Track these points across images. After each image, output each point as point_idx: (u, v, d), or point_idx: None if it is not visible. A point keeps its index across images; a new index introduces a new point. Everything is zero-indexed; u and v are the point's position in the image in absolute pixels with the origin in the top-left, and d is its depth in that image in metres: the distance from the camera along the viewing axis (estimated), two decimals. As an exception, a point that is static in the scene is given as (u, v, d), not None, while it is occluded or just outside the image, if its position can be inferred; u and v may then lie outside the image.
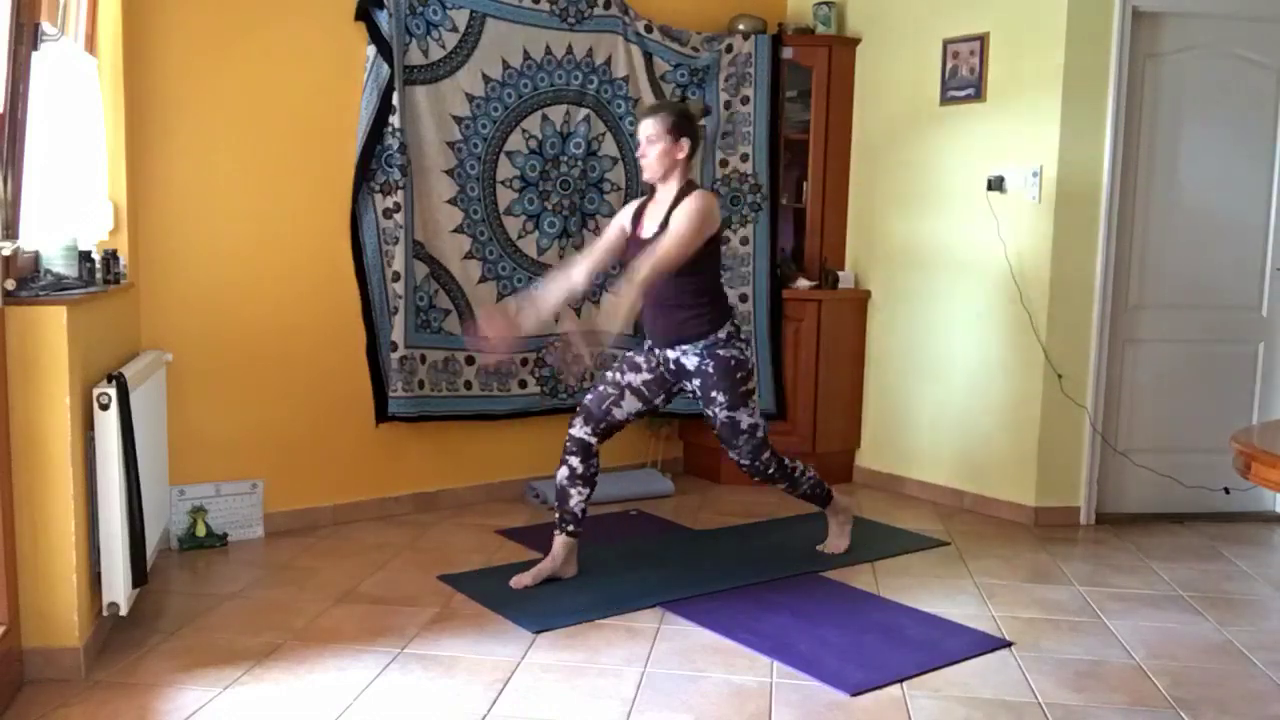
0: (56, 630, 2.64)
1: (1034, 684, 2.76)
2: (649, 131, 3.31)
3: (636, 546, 3.93)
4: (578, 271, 3.44)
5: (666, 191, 3.36)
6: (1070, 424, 4.32)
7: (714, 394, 3.37)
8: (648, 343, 3.49)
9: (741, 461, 3.49)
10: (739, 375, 3.37)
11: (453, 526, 4.15)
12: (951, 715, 2.58)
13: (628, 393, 3.45)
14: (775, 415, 4.82)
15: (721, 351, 3.35)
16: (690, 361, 3.37)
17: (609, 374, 3.49)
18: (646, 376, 3.45)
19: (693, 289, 3.32)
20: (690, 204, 3.25)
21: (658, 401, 3.49)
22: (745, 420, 3.40)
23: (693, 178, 3.44)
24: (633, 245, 3.37)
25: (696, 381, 3.39)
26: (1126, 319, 4.39)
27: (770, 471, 3.52)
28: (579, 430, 3.43)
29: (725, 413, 3.38)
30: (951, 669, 2.84)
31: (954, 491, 4.64)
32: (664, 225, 3.28)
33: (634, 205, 3.49)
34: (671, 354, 3.41)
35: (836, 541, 3.84)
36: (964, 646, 2.99)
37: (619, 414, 3.45)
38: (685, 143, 3.31)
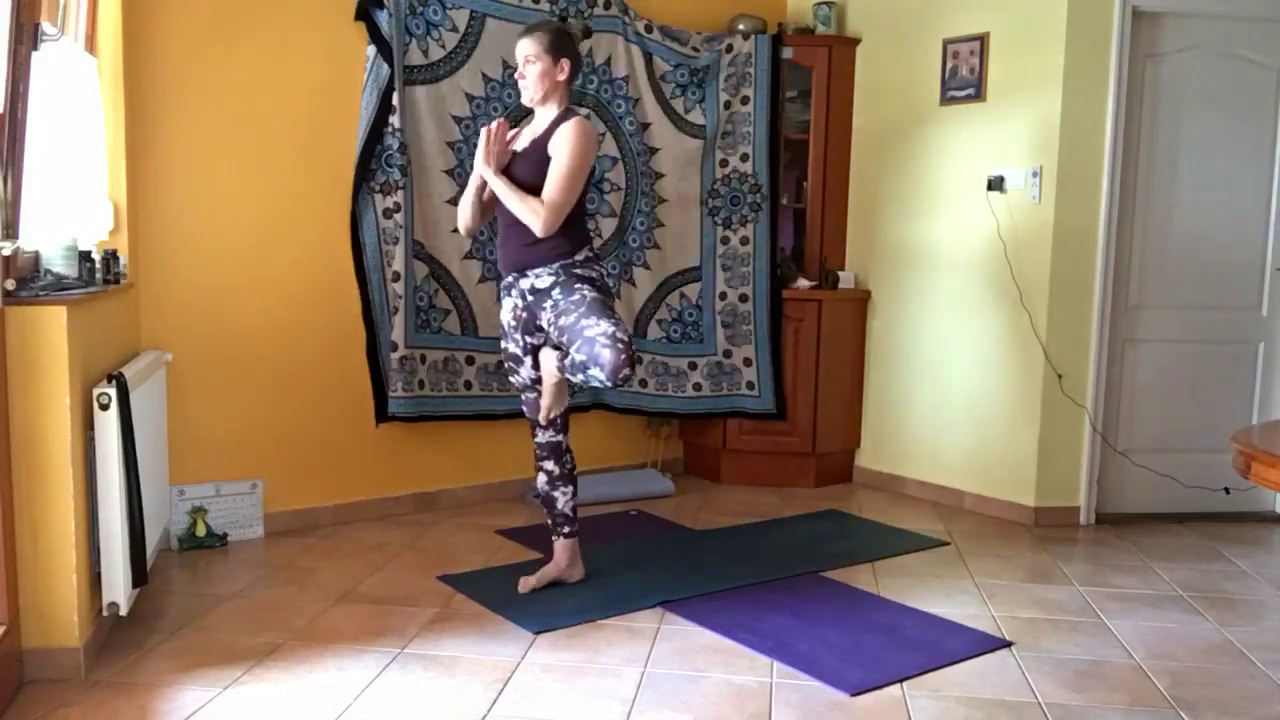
0: (56, 630, 2.64)
1: (1034, 684, 2.76)
2: (528, 51, 3.13)
3: (636, 546, 3.93)
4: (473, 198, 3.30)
5: (545, 114, 3.19)
6: (1070, 424, 4.32)
7: (576, 285, 3.13)
8: (504, 298, 3.30)
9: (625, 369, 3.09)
10: (597, 286, 3.15)
11: (453, 526, 4.15)
12: (951, 715, 2.58)
13: (536, 385, 3.30)
14: (775, 415, 4.82)
15: (578, 270, 3.15)
16: (544, 281, 3.15)
17: (511, 379, 3.37)
18: (518, 337, 3.28)
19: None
20: (571, 136, 3.08)
21: (537, 342, 3.29)
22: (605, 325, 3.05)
23: (572, 104, 3.29)
24: (508, 161, 3.21)
25: (552, 297, 3.14)
26: (1126, 319, 4.39)
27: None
28: (542, 436, 3.37)
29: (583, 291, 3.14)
30: (951, 669, 2.84)
31: (954, 491, 4.64)
32: (537, 144, 3.14)
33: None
34: (525, 282, 3.20)
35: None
36: (964, 646, 2.99)
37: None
38: (566, 63, 3.15)
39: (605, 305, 3.11)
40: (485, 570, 3.59)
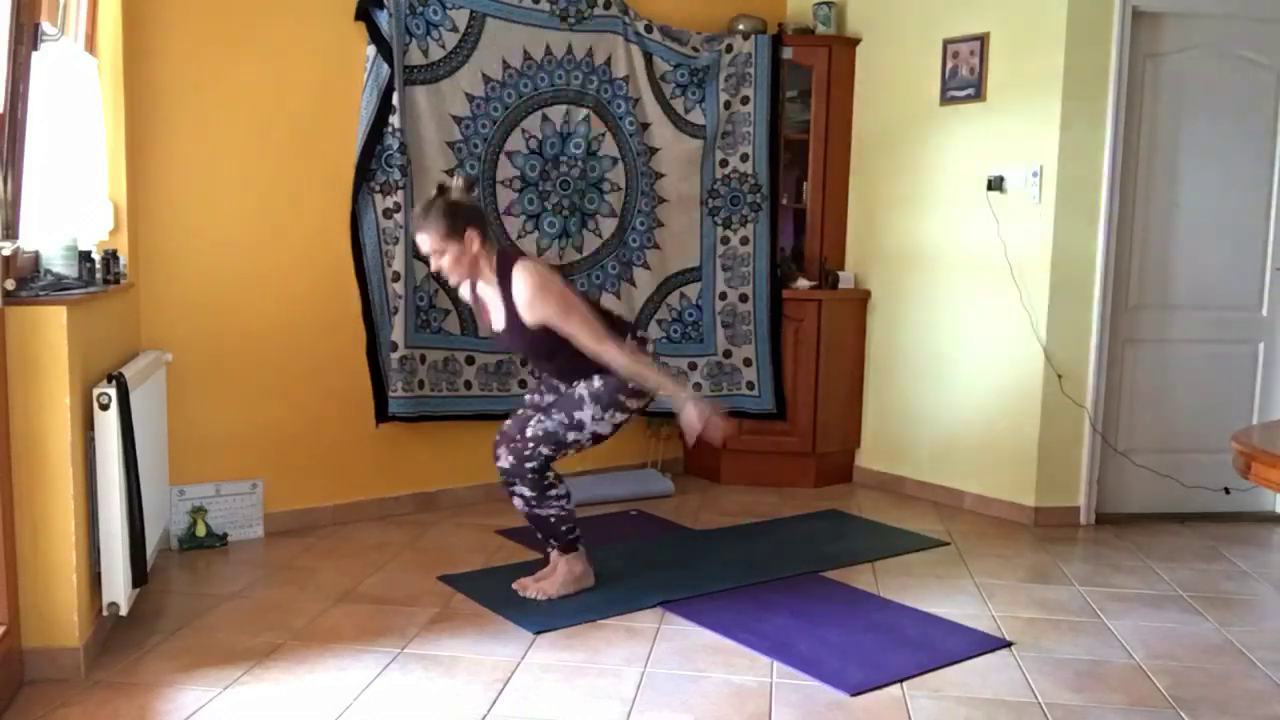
0: (56, 630, 2.64)
1: (1034, 684, 2.76)
2: (429, 247, 3.03)
3: (636, 546, 3.93)
4: (631, 347, 3.16)
5: (487, 284, 3.13)
6: (1070, 424, 4.32)
7: (570, 392, 3.17)
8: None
9: (501, 459, 3.21)
10: (616, 410, 3.16)
11: (453, 526, 4.15)
12: (951, 715, 2.58)
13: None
14: (775, 415, 4.82)
15: (617, 386, 3.14)
16: (586, 386, 3.17)
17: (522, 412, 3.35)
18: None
19: (570, 348, 3.08)
20: (526, 290, 3.00)
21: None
22: (566, 435, 3.13)
23: (492, 250, 3.13)
24: (501, 340, 3.22)
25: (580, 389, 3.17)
26: (1126, 319, 4.39)
27: (528, 475, 3.19)
28: (504, 461, 3.21)
29: (559, 416, 3.15)
30: (951, 669, 2.84)
31: (954, 491, 4.64)
32: (511, 320, 3.09)
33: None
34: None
35: (547, 584, 3.32)
36: (964, 646, 2.99)
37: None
38: (471, 233, 3.03)
39: (593, 435, 3.18)
40: (485, 570, 3.59)
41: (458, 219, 3.02)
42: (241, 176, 3.81)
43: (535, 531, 3.32)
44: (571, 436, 3.17)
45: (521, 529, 4.10)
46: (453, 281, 3.13)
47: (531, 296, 3.01)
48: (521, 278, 3.03)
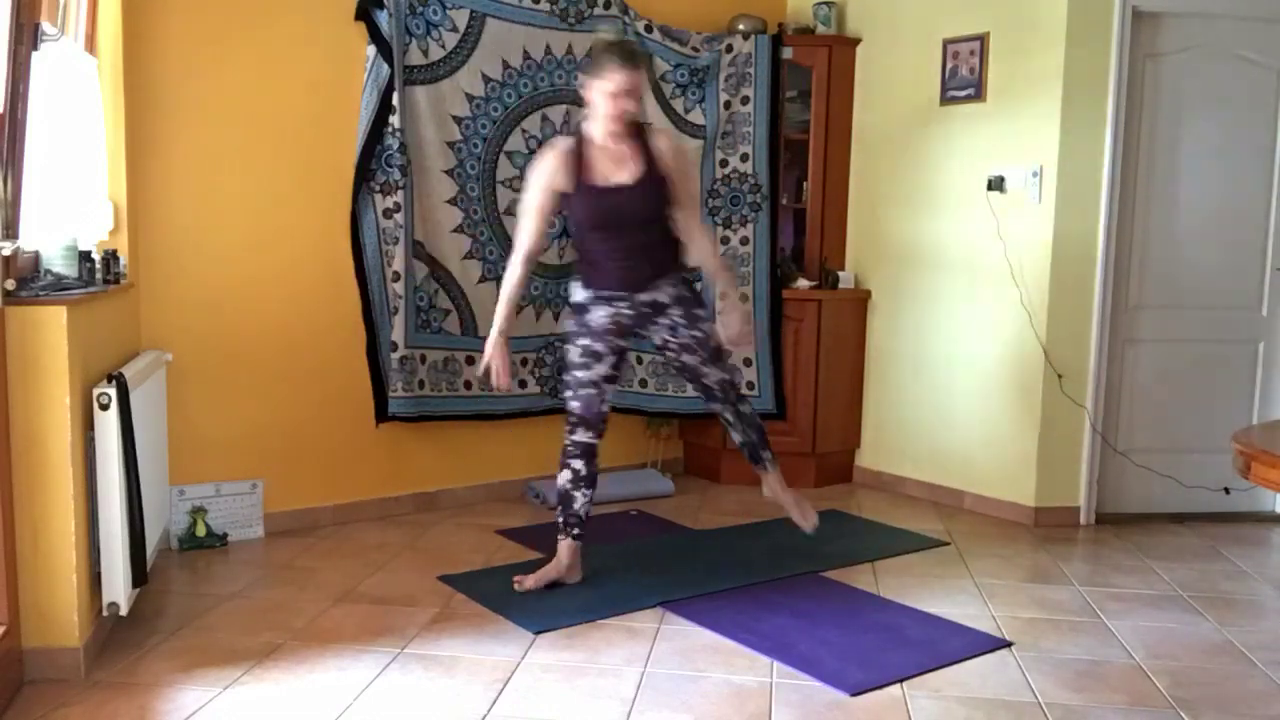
0: (56, 630, 2.64)
1: (1034, 684, 2.76)
2: (631, 84, 3.06)
3: (636, 546, 3.93)
4: (519, 270, 3.28)
5: (621, 139, 3.17)
6: (1070, 424, 4.32)
7: (698, 311, 3.35)
8: (600, 306, 3.31)
9: (729, 380, 3.46)
10: (705, 311, 3.40)
11: (453, 526, 4.15)
12: (951, 715, 2.58)
13: (604, 384, 3.36)
14: (775, 415, 4.82)
15: (691, 290, 3.38)
16: (666, 294, 3.30)
17: (578, 374, 3.34)
18: (611, 359, 3.35)
19: (667, 227, 3.28)
20: (680, 149, 3.28)
21: (621, 371, 3.47)
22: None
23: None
24: (595, 196, 3.17)
25: (677, 310, 3.31)
26: (1126, 319, 4.39)
27: (741, 394, 3.55)
28: (582, 435, 3.36)
29: (709, 325, 3.36)
30: (951, 669, 2.84)
31: (954, 491, 4.64)
32: (649, 169, 3.17)
33: (552, 161, 3.20)
34: (645, 296, 3.29)
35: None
36: (964, 647, 2.99)
37: (606, 408, 3.40)
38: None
39: (720, 350, 3.40)
40: (485, 570, 3.59)
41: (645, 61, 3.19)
42: (241, 177, 3.81)
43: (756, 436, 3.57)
44: (717, 347, 3.42)
45: (521, 529, 4.11)
46: (616, 125, 3.12)
47: (686, 156, 3.30)
48: (668, 134, 3.38)
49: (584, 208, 3.19)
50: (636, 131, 3.19)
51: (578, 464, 3.38)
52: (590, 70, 3.12)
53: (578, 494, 3.39)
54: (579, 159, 3.18)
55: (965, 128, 4.52)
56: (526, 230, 3.25)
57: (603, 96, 3.09)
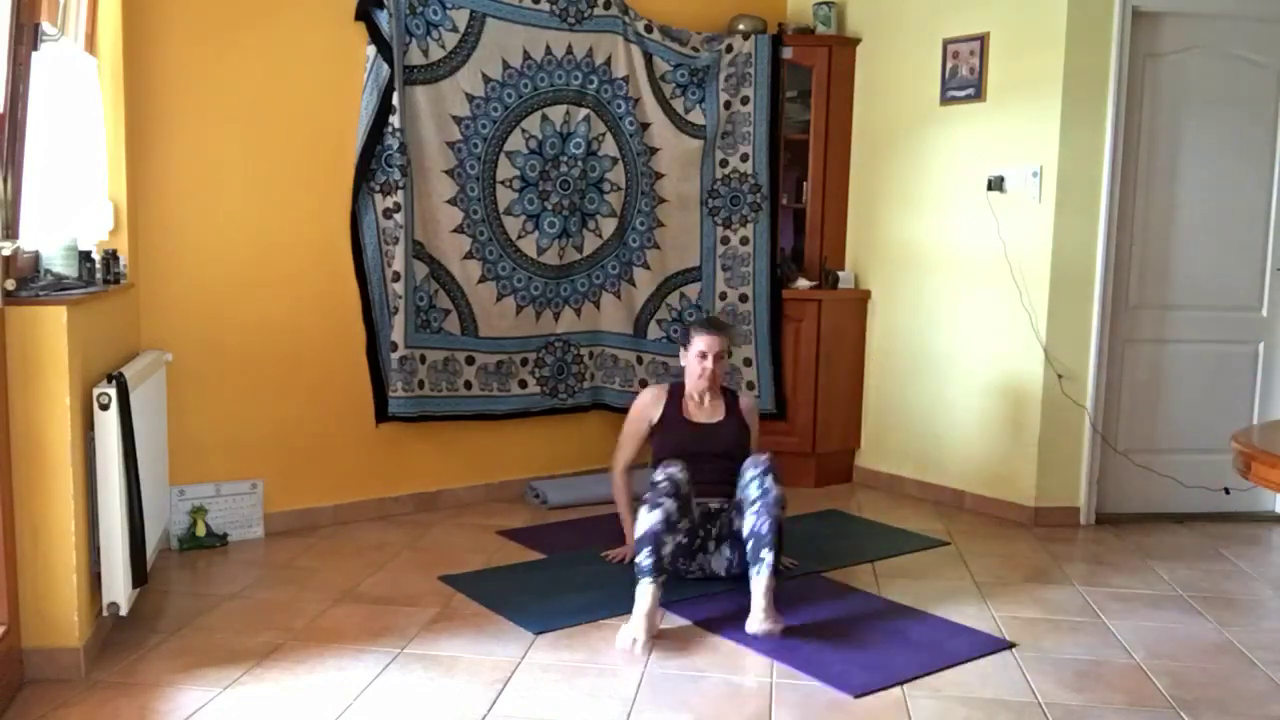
0: (56, 630, 2.64)
1: (1034, 684, 2.76)
2: (718, 348, 3.53)
3: (636, 546, 3.92)
4: (622, 481, 3.74)
5: (712, 394, 3.60)
6: (1070, 424, 4.32)
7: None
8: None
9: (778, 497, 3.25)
10: None
11: (453, 526, 4.15)
12: (951, 715, 2.58)
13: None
14: (775, 415, 4.82)
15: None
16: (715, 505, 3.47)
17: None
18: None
19: (734, 468, 3.39)
20: (756, 410, 3.77)
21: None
22: None
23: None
24: (681, 427, 3.56)
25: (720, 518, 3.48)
26: (1126, 319, 4.39)
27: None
28: (681, 471, 3.23)
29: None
30: (952, 669, 2.84)
31: (954, 491, 4.64)
32: (731, 418, 3.59)
33: (658, 403, 3.63)
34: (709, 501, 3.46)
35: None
36: (964, 647, 2.99)
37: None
38: None
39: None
40: (485, 570, 3.59)
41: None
42: (242, 177, 3.81)
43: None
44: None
45: (521, 529, 4.11)
46: (705, 386, 3.55)
47: (754, 406, 3.79)
48: (747, 394, 4.03)
49: (672, 437, 3.55)
50: (724, 391, 3.65)
51: (670, 503, 3.12)
52: (683, 338, 3.61)
53: (668, 539, 3.09)
54: (674, 399, 3.62)
55: (965, 128, 4.52)
56: (626, 450, 3.71)
57: (694, 358, 3.54)
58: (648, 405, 3.65)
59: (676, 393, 3.63)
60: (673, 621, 3.16)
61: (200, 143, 3.71)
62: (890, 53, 4.81)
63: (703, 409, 3.60)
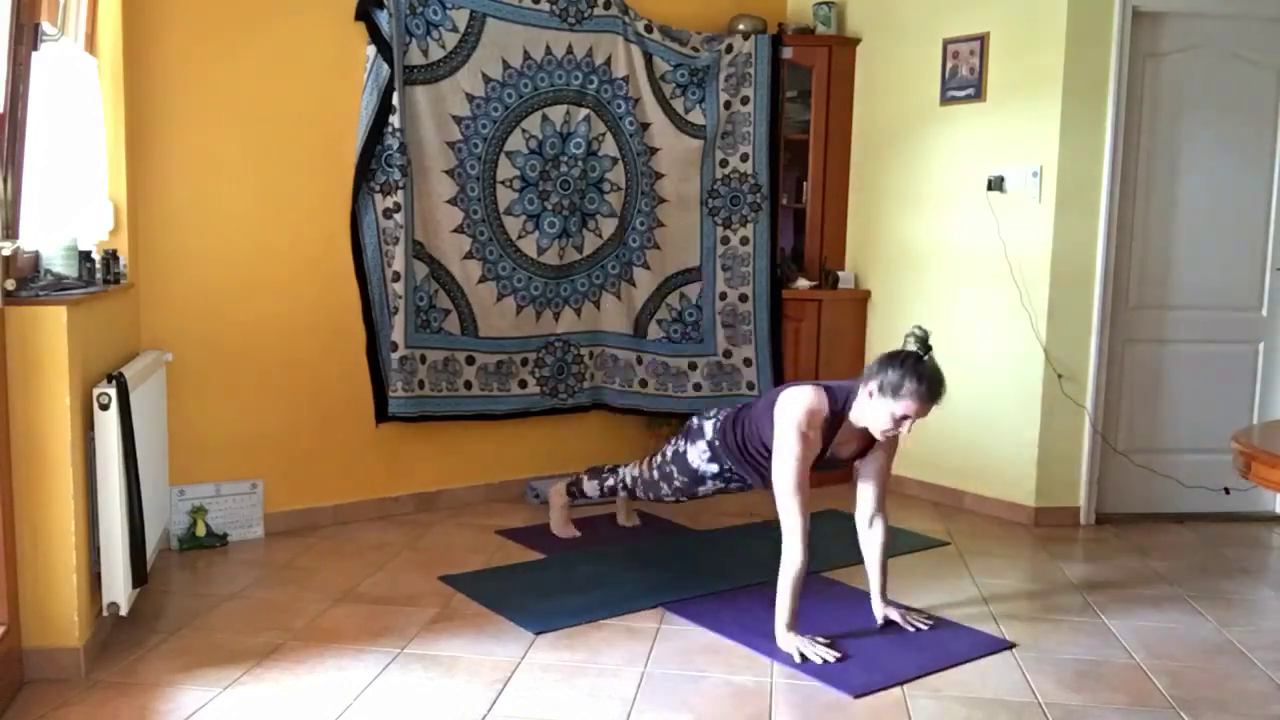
0: (56, 630, 2.64)
1: (1034, 684, 2.76)
2: (926, 415, 2.93)
3: (636, 546, 3.92)
4: (801, 558, 2.98)
5: (858, 429, 3.07)
6: (1070, 424, 4.32)
7: None
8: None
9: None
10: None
11: (453, 526, 4.15)
12: (951, 715, 2.58)
13: (696, 497, 3.61)
14: (775, 415, 4.81)
15: None
16: None
17: (696, 490, 3.56)
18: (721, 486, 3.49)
19: None
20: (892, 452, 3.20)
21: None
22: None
23: None
24: (819, 458, 3.08)
25: None
26: (1126, 319, 4.39)
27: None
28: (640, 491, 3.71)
29: None
30: (952, 669, 2.84)
31: (954, 491, 4.64)
32: (866, 451, 3.14)
33: (819, 430, 3.02)
34: None
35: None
36: (964, 647, 2.99)
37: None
38: None
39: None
40: (485, 570, 3.59)
41: None
42: (241, 176, 3.81)
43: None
44: None
45: (521, 529, 4.11)
46: (888, 434, 2.98)
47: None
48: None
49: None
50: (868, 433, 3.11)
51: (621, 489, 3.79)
52: (894, 382, 2.87)
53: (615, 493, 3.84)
54: (831, 431, 3.06)
55: (965, 128, 4.52)
56: (805, 506, 2.97)
57: (891, 416, 2.89)
58: (814, 440, 3.02)
59: (836, 420, 3.04)
60: (672, 622, 3.16)
61: (200, 142, 3.71)
62: (890, 53, 4.81)
63: (850, 443, 3.14)
